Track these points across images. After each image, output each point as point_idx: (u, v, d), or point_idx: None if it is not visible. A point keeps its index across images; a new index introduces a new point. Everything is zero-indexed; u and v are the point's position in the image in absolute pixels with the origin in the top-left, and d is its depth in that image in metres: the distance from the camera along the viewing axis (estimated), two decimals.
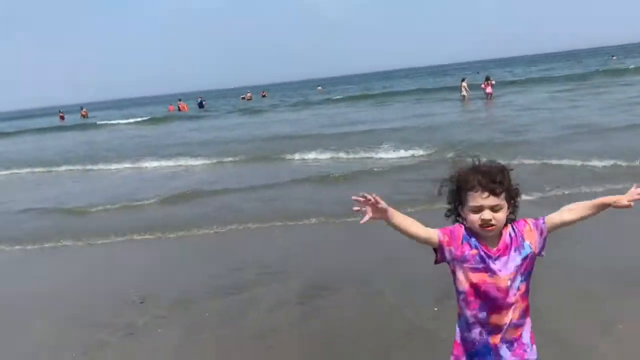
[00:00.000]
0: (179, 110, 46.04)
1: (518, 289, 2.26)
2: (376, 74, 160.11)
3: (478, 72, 60.03)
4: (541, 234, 2.28)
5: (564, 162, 9.52)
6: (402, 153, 12.49)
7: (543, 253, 2.30)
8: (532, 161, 9.90)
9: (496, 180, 2.17)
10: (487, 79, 30.02)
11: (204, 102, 50.91)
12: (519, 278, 2.25)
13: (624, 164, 8.82)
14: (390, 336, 4.09)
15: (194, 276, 5.93)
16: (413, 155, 12.22)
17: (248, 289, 5.34)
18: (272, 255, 6.38)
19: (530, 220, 2.31)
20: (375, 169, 10.97)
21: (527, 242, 2.26)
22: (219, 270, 6.02)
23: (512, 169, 2.28)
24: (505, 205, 2.21)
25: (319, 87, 69.68)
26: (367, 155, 12.86)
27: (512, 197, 2.25)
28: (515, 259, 2.24)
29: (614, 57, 64.22)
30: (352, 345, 4.05)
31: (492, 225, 2.18)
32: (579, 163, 9.26)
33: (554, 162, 9.66)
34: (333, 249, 6.45)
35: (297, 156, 13.71)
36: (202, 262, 6.49)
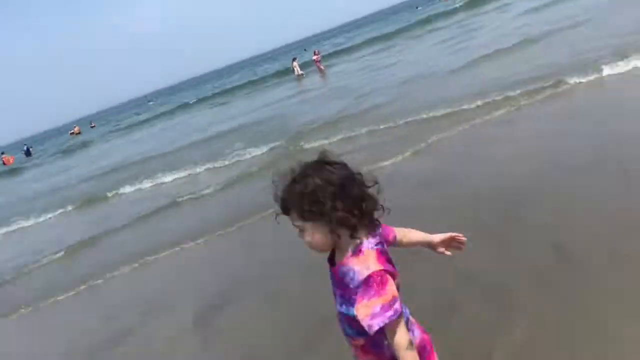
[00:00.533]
0: (4, 164, 41.53)
1: (351, 337, 1.86)
2: (206, 75, 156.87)
3: (305, 50, 60.90)
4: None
5: (431, 114, 9.22)
6: (256, 151, 11.52)
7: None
8: (389, 124, 9.64)
9: (279, 196, 1.78)
10: (315, 53, 30.19)
11: (30, 149, 46.80)
12: (351, 330, 1.82)
13: (475, 103, 8.81)
14: (308, 331, 3.76)
15: (72, 345, 5.08)
16: (267, 151, 11.30)
17: (135, 333, 4.77)
18: (151, 291, 5.76)
19: (365, 294, 1.69)
20: (229, 177, 9.89)
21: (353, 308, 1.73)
22: (96, 326, 5.25)
23: (310, 190, 1.70)
24: (308, 226, 1.73)
25: (150, 101, 66.30)
26: (219, 164, 11.57)
27: (319, 215, 1.70)
28: (338, 304, 1.84)
29: (419, 8, 68.71)
30: (268, 355, 3.69)
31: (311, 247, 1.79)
32: (439, 112, 9.10)
33: (414, 118, 9.41)
34: (214, 267, 5.90)
35: (144, 184, 12.06)
36: (74, 326, 5.58)
